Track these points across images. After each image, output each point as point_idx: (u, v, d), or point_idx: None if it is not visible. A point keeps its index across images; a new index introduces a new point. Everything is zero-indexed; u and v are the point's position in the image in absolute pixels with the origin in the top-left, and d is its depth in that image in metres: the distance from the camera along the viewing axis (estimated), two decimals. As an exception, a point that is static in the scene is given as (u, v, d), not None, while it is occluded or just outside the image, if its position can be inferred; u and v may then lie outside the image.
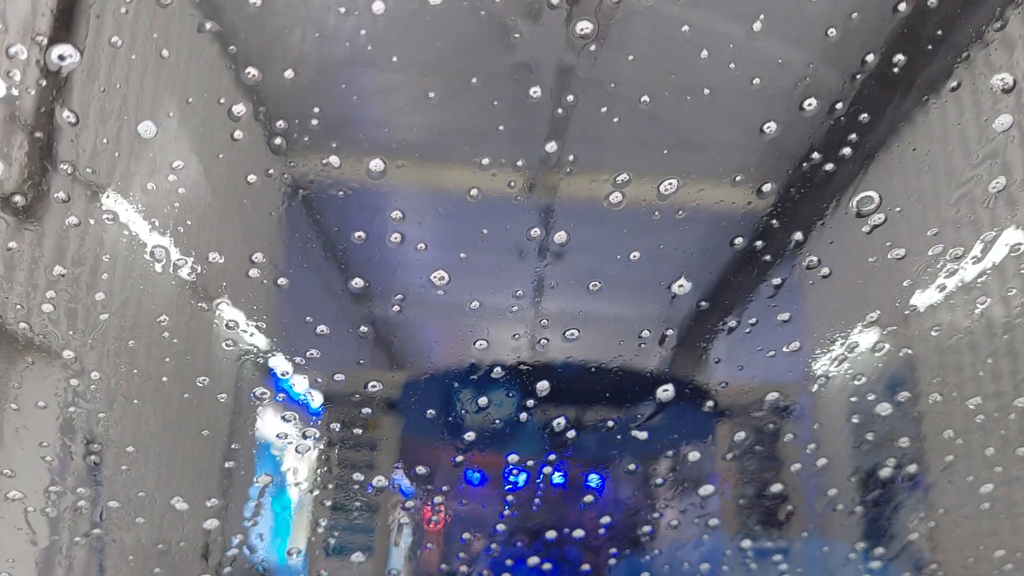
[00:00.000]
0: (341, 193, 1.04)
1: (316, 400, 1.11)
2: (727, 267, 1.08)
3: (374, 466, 1.12)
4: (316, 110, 1.02)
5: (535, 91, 1.01)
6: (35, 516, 1.09)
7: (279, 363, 1.10)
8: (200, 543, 1.12)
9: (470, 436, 1.11)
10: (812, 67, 1.02)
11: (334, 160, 1.02)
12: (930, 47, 1.02)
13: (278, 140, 1.02)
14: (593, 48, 1.01)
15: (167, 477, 1.12)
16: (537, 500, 1.13)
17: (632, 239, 1.06)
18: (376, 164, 1.02)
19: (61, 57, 0.98)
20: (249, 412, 1.11)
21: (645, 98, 1.02)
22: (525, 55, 1.01)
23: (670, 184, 1.03)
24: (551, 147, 1.04)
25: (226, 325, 1.08)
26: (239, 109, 1.01)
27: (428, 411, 1.11)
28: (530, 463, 1.12)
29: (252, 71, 1.00)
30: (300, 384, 1.10)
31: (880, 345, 1.10)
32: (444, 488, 1.13)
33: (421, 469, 1.13)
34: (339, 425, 1.12)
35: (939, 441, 1.12)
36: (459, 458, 1.12)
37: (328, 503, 1.13)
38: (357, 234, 1.05)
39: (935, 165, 1.06)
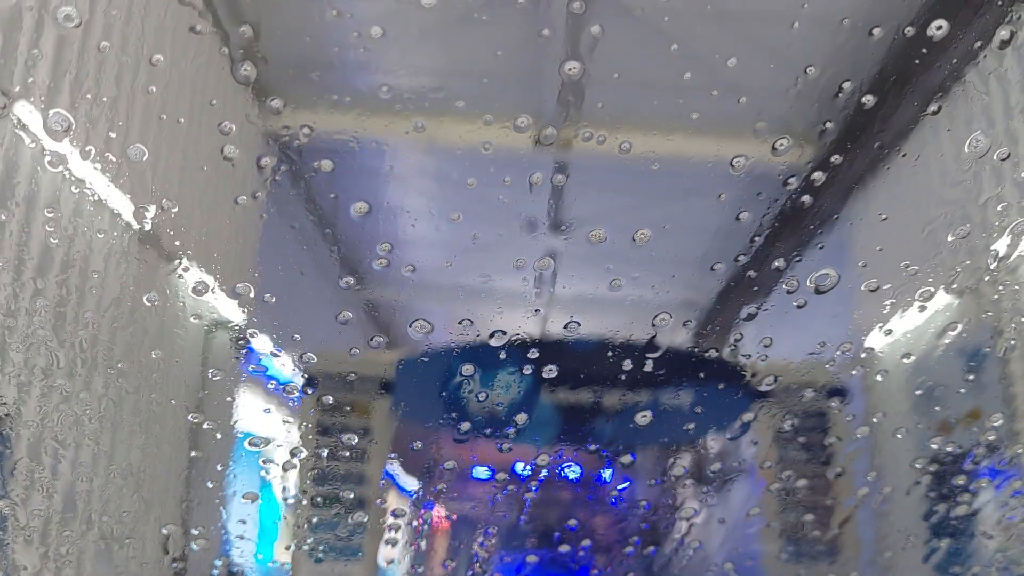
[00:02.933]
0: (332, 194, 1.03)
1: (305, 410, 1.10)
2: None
3: (365, 479, 1.11)
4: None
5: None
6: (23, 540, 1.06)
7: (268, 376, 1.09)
8: (188, 562, 1.09)
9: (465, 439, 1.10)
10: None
11: (326, 164, 1.02)
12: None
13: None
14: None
15: (153, 497, 1.09)
16: (530, 499, 1.11)
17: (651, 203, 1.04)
18: (361, 207, 1.02)
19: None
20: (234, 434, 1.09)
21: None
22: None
23: (643, 234, 1.03)
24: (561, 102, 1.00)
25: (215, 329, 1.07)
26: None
27: (423, 413, 1.10)
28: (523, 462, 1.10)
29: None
30: (288, 396, 1.09)
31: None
32: (434, 502, 1.11)
33: (416, 479, 1.11)
34: (330, 433, 1.10)
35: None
36: (446, 475, 1.10)
37: (316, 518, 1.11)
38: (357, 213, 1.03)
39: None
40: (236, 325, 1.06)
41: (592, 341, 1.07)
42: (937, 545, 1.14)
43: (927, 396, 1.12)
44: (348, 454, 1.10)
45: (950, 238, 1.07)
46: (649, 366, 1.07)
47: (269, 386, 1.09)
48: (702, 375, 1.09)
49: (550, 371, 1.07)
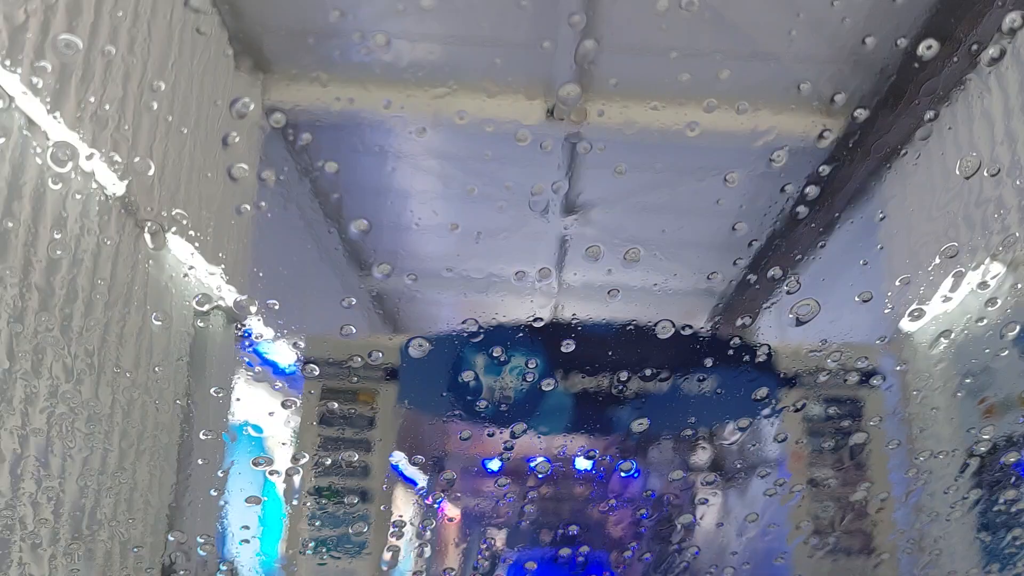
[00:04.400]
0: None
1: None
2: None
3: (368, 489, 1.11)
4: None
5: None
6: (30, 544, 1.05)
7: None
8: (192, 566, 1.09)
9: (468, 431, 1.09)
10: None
11: (330, 166, 1.02)
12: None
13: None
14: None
15: (157, 502, 1.09)
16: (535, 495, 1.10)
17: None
18: (361, 223, 1.02)
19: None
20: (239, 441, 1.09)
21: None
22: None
23: (635, 251, 1.01)
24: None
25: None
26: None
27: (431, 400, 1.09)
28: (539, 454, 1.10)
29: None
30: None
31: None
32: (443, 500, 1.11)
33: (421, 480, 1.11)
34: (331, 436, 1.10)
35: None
36: (454, 469, 1.09)
37: (319, 517, 1.11)
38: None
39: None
40: (239, 327, 1.06)
41: (600, 330, 1.06)
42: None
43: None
44: (352, 453, 1.10)
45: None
46: (655, 359, 1.07)
47: (276, 386, 1.09)
48: (706, 369, 1.08)
49: (556, 367, 1.06)
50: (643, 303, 1.04)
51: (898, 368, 1.12)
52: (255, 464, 1.07)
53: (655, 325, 1.04)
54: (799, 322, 1.03)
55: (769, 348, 1.07)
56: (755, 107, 0.97)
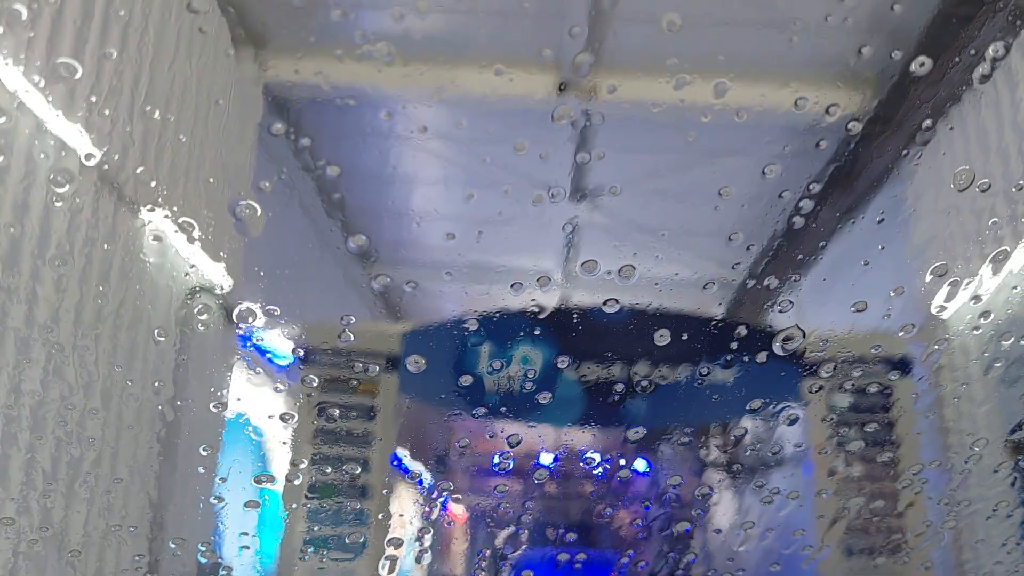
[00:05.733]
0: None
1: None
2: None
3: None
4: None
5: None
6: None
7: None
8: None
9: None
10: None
11: (333, 170, 1.02)
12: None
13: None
14: None
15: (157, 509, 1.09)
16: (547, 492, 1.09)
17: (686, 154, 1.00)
18: (359, 240, 1.02)
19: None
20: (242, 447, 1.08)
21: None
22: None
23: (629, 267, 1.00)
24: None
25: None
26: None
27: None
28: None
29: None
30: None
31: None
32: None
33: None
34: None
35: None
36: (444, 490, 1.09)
37: (319, 518, 1.10)
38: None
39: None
40: (241, 329, 1.06)
41: (608, 317, 1.04)
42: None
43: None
44: (353, 448, 1.10)
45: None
46: (658, 356, 1.06)
47: (277, 385, 1.08)
48: (710, 366, 1.08)
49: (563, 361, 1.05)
50: (652, 293, 1.03)
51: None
52: (257, 482, 1.06)
53: (666, 315, 1.03)
54: (785, 349, 1.02)
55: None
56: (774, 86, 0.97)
